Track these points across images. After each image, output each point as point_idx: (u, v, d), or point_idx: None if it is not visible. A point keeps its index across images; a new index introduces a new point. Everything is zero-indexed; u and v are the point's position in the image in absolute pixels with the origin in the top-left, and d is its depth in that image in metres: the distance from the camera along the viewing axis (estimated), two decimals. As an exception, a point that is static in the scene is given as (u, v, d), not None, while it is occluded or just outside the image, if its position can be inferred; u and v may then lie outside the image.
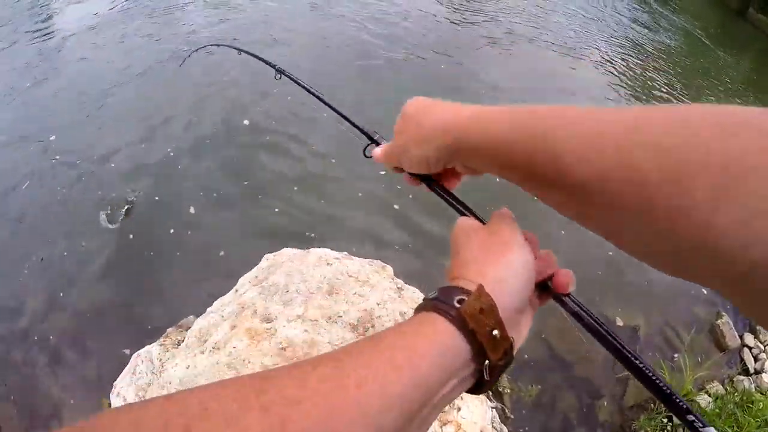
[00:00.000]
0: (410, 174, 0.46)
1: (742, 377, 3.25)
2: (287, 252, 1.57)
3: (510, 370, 2.45)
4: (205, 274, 2.78)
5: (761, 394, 3.13)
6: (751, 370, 3.38)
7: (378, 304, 1.41)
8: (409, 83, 4.62)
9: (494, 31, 6.27)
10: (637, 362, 0.34)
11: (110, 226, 3.12)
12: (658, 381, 0.33)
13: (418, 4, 6.44)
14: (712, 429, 0.33)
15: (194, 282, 2.75)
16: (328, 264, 1.47)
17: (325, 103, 0.70)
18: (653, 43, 7.57)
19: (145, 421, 0.22)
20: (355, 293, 1.41)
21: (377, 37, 5.45)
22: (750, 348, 3.53)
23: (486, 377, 0.31)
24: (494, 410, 1.72)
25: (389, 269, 1.57)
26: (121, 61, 4.73)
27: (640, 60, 6.81)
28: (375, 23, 5.72)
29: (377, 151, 0.49)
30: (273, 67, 0.95)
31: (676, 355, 3.12)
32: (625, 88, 5.98)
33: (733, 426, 2.79)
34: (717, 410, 2.86)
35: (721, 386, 3.13)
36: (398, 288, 1.52)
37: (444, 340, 0.29)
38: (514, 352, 0.33)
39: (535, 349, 2.68)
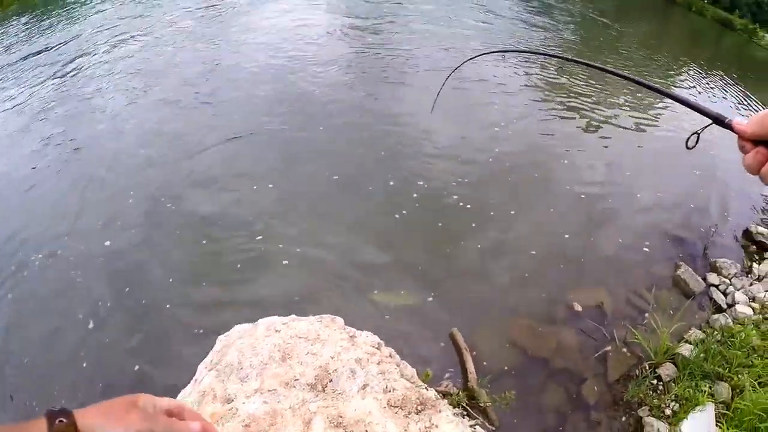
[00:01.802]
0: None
1: (716, 316, 3.31)
2: (238, 329, 1.62)
3: (488, 382, 2.48)
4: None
5: (740, 324, 3.16)
6: (724, 306, 3.46)
7: (332, 358, 1.47)
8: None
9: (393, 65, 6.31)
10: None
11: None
12: None
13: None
14: None
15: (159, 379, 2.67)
16: (276, 331, 1.53)
17: (652, 88, 0.71)
18: (553, 38, 7.92)
19: None
20: (307, 353, 1.47)
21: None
22: (716, 286, 3.62)
23: None
24: (476, 427, 1.77)
25: (339, 320, 1.64)
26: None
27: (542, 61, 7.09)
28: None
29: (742, 120, 0.53)
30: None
31: (645, 315, 3.20)
32: (536, 89, 6.26)
33: (722, 363, 2.80)
34: (702, 354, 2.87)
35: (699, 331, 3.17)
36: (351, 336, 1.59)
37: None
38: None
39: (509, 356, 2.71)
